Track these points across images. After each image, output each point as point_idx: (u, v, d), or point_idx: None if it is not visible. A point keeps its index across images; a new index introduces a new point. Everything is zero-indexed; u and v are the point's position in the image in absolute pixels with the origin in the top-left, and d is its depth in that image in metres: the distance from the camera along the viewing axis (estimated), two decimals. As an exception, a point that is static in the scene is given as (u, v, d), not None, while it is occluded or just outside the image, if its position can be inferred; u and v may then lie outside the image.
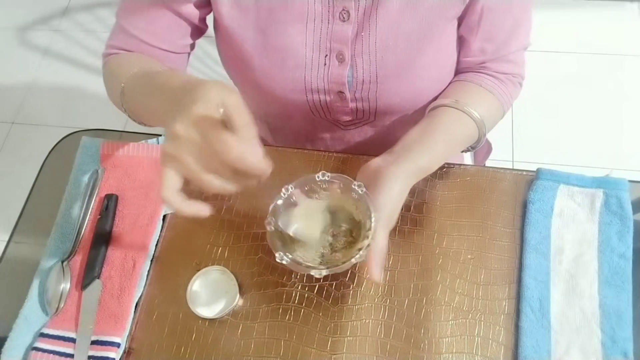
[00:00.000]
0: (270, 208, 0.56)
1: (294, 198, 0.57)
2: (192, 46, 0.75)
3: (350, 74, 0.69)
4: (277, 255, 0.53)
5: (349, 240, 0.58)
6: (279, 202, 0.56)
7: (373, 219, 0.53)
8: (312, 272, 0.53)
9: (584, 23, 1.83)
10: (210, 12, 0.71)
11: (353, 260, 0.52)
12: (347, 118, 0.77)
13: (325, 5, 0.65)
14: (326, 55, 0.68)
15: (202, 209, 0.47)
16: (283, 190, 0.56)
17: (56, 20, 2.06)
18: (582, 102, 1.69)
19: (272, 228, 0.55)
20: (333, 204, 0.59)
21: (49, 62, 1.98)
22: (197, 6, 0.68)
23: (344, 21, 0.66)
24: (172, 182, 0.45)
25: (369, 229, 0.53)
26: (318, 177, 0.56)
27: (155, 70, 0.61)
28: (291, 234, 0.57)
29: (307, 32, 0.66)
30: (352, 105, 0.73)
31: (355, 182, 0.55)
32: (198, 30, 0.73)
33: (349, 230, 0.58)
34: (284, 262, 0.53)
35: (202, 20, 0.72)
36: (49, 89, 1.92)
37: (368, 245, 0.53)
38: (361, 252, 0.52)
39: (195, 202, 0.47)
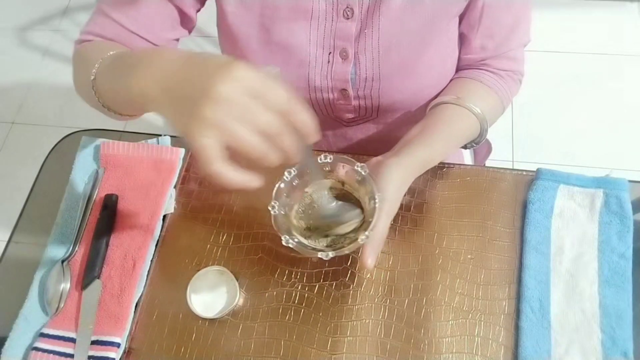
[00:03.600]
0: (274, 191, 0.55)
1: (296, 181, 0.57)
2: (176, 42, 0.72)
3: (353, 71, 0.69)
4: (283, 238, 0.53)
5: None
6: (282, 185, 0.56)
7: (377, 199, 0.53)
8: (320, 255, 0.52)
9: (584, 23, 1.82)
10: (201, 7, 0.71)
11: (360, 242, 0.52)
12: (350, 116, 0.77)
13: (329, 3, 0.65)
14: (330, 52, 0.68)
15: (252, 179, 0.42)
16: (286, 173, 0.56)
17: (56, 20, 2.06)
18: (582, 102, 1.69)
19: (276, 212, 0.55)
20: (336, 186, 0.59)
21: (49, 62, 1.98)
22: None
23: (347, 19, 0.66)
24: (215, 152, 0.39)
25: (374, 209, 0.53)
26: (320, 159, 0.56)
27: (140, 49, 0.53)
28: (295, 216, 0.57)
29: (311, 30, 0.67)
30: (355, 102, 0.73)
31: (358, 164, 0.55)
32: (184, 23, 0.70)
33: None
34: (290, 245, 0.52)
35: (192, 11, 0.69)
36: (49, 89, 1.92)
37: (374, 226, 0.52)
38: (367, 233, 0.52)
39: (243, 170, 0.41)
